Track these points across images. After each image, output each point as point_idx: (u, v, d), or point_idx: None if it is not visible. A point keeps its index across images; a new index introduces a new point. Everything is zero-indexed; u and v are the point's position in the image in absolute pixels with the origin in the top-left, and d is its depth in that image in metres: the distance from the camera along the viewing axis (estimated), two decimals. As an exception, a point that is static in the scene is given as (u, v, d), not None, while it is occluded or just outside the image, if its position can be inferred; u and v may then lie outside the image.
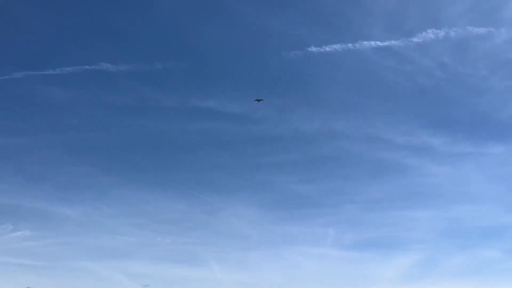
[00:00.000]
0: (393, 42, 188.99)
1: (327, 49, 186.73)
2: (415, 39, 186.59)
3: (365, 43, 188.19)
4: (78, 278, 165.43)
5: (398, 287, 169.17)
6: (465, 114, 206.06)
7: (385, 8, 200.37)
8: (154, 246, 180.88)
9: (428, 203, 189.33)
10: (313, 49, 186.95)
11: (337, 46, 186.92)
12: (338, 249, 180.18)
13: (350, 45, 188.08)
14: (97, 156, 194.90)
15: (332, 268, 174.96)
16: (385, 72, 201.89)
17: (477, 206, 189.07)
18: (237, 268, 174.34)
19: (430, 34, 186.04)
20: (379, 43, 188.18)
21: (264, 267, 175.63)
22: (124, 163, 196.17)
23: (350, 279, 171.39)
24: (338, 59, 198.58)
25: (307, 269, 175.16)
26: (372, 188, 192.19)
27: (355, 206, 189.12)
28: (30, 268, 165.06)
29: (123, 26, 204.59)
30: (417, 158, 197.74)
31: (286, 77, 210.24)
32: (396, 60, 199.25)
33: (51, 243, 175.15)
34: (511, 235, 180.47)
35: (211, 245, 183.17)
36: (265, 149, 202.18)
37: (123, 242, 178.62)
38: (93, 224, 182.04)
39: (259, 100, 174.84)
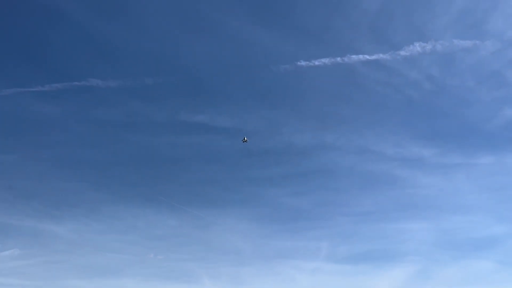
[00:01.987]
0: (381, 55, 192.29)
1: (316, 63, 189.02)
2: (402, 52, 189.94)
3: (354, 56, 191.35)
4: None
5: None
6: (454, 125, 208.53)
7: (373, 22, 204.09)
8: (145, 263, 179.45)
9: (420, 214, 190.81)
10: (302, 63, 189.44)
11: (326, 60, 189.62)
12: (331, 262, 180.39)
13: (339, 59, 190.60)
14: (87, 172, 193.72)
15: (326, 282, 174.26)
16: (374, 85, 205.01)
17: (468, 217, 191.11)
18: (230, 284, 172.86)
19: (417, 47, 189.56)
20: (367, 56, 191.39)
21: (258, 282, 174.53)
22: (114, 178, 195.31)
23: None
24: (328, 72, 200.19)
25: (301, 284, 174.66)
26: (364, 200, 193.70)
27: (347, 219, 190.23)
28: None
29: (113, 41, 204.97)
30: (408, 170, 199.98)
31: (277, 91, 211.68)
32: (384, 73, 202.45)
33: (40, 261, 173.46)
34: (503, 245, 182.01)
35: (204, 261, 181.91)
36: (256, 162, 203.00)
37: (114, 260, 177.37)
38: (83, 241, 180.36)
39: (244, 141, 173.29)
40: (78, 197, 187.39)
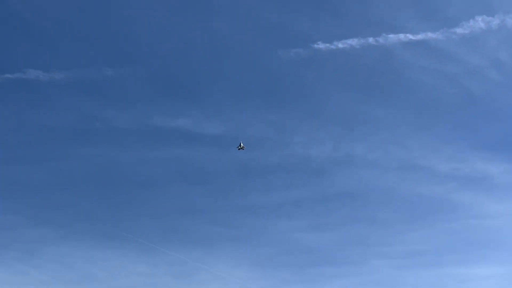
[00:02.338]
0: (429, 34, 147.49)
1: (340, 45, 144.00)
2: (459, 30, 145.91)
3: (392, 36, 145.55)
4: None
5: None
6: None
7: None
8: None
9: (490, 255, 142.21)
10: (321, 45, 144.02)
11: (353, 41, 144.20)
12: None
13: (370, 39, 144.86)
14: (23, 199, 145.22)
15: None
16: (420, 75, 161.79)
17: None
18: None
19: (479, 22, 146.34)
20: (410, 36, 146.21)
21: None
22: (60, 207, 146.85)
23: None
24: (355, 58, 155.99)
25: None
26: (409, 236, 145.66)
27: (385, 262, 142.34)
28: None
29: (58, 19, 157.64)
30: (469, 193, 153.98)
31: (285, 84, 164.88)
32: (434, 59, 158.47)
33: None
34: None
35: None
36: (258, 183, 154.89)
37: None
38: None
39: (240, 148, 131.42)
40: (11, 234, 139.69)
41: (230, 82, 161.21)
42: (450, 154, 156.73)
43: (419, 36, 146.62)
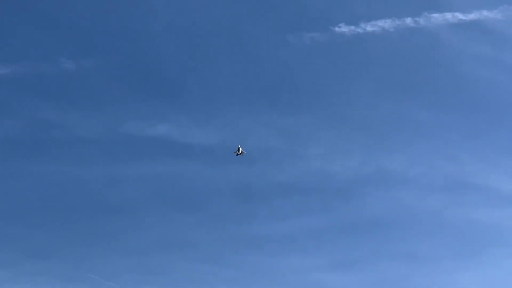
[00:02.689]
0: (484, 13, 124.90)
1: (368, 28, 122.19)
2: None
3: (436, 16, 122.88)
4: None
5: None
6: None
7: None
8: None
9: None
10: (343, 28, 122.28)
11: (385, 23, 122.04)
12: None
13: (408, 20, 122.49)
14: None
15: None
16: (473, 66, 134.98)
17: None
18: None
19: None
20: (460, 15, 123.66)
21: None
22: (7, 242, 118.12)
23: None
24: (388, 45, 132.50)
25: None
26: (462, 276, 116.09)
27: None
28: None
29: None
30: None
31: (298, 80, 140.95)
32: (490, 44, 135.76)
33: None
34: None
35: None
36: (264, 209, 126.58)
37: None
38: None
39: (239, 153, 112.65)
40: None
41: (226, 77, 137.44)
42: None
43: (472, 16, 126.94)
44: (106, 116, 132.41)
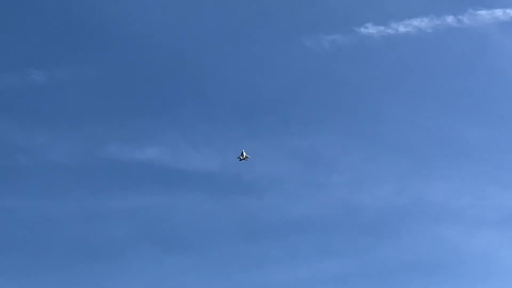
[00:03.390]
0: None
1: (400, 28, 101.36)
2: None
3: (483, 13, 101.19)
4: None
5: None
6: None
7: None
8: None
9: None
10: (370, 29, 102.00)
11: (421, 22, 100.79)
12: None
13: (450, 18, 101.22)
14: None
15: None
16: None
17: None
18: None
19: None
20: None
21: None
22: None
23: None
24: (425, 49, 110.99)
25: None
26: None
27: None
28: None
29: None
30: None
31: (316, 90, 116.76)
32: None
33: None
34: None
35: None
36: (275, 249, 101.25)
37: None
38: None
39: (243, 159, 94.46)
40: None
41: (229, 88, 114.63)
42: None
43: None
44: (84, 137, 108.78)
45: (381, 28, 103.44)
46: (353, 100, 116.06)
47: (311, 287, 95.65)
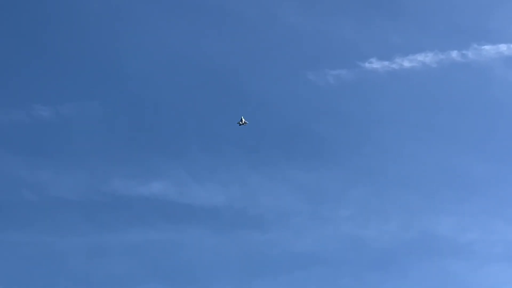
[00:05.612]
0: None
1: (405, 63, 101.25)
2: None
3: (488, 48, 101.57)
4: None
5: None
6: None
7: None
8: None
9: None
10: (375, 64, 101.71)
11: (425, 57, 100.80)
12: None
13: (454, 53, 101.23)
14: None
15: None
16: None
17: None
18: None
19: None
20: None
21: None
22: None
23: None
24: (431, 83, 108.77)
25: None
26: None
27: None
28: None
29: None
30: None
31: (320, 125, 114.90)
32: None
33: None
34: None
35: None
36: (281, 284, 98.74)
37: None
38: None
39: (242, 123, 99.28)
40: None
41: (233, 122, 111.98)
42: None
43: None
44: (88, 173, 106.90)
45: (386, 63, 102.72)
46: (358, 134, 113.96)
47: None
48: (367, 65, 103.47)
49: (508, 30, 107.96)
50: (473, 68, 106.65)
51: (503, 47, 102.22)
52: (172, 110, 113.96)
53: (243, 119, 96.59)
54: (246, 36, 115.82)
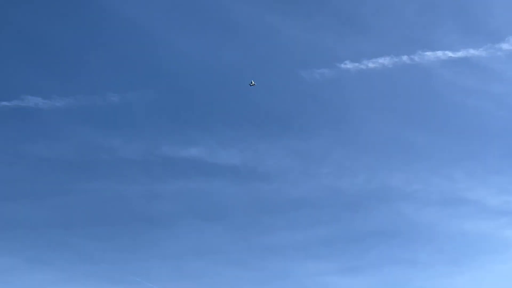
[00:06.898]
0: (471, 51, 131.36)
1: (370, 64, 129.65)
2: (505, 46, 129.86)
3: (429, 54, 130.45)
4: None
5: None
6: None
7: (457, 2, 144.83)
8: None
9: None
10: (349, 65, 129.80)
11: (385, 60, 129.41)
12: None
13: (405, 57, 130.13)
14: (20, 239, 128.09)
15: None
16: (462, 97, 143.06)
17: None
18: None
19: None
20: (449, 53, 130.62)
21: None
22: (61, 248, 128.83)
23: None
24: (388, 79, 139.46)
25: None
26: (455, 279, 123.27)
27: None
28: None
29: (59, 43, 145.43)
30: None
31: (310, 109, 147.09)
32: (477, 78, 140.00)
33: None
34: None
35: None
36: (281, 220, 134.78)
37: None
38: None
39: (252, 84, 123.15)
40: (6, 278, 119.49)
41: (247, 106, 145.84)
42: (501, 185, 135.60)
43: (460, 53, 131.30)
44: (146, 141, 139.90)
45: (356, 64, 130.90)
46: (337, 114, 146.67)
47: (307, 247, 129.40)
48: (342, 66, 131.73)
49: (444, 40, 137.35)
50: (419, 68, 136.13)
51: (439, 53, 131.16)
52: (204, 97, 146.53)
53: (253, 82, 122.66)
54: (255, 46, 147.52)
